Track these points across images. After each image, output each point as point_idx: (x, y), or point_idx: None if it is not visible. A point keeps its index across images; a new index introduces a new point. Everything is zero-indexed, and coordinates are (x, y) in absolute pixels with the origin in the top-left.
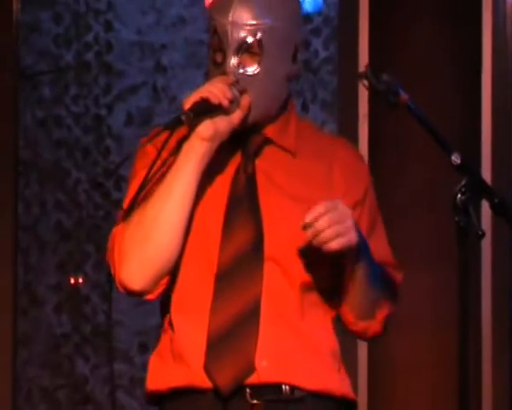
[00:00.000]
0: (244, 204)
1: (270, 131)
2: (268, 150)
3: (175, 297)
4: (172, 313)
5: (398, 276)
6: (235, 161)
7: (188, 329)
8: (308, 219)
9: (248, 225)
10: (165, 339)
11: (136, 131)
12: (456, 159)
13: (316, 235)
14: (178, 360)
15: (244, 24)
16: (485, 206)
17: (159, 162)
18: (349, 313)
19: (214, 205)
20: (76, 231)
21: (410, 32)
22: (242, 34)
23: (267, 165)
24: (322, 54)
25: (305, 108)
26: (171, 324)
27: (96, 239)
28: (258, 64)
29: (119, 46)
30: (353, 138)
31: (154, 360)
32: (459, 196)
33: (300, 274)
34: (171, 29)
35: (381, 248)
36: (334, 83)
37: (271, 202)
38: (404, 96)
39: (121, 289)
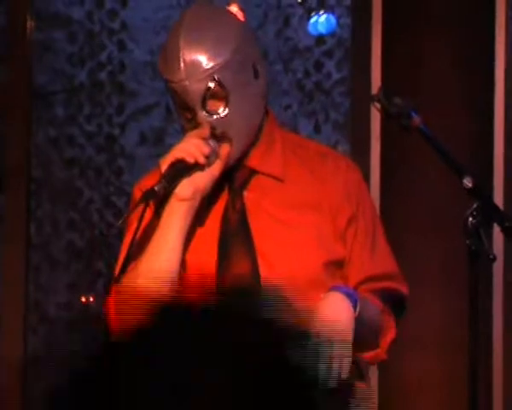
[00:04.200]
0: (237, 239)
1: (253, 160)
2: (256, 180)
3: None
4: None
5: (404, 288)
6: (224, 196)
7: None
8: None
9: (243, 261)
10: None
11: (149, 151)
12: (467, 182)
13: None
14: None
15: (199, 73)
16: (497, 229)
17: (142, 225)
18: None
19: (207, 243)
20: (88, 250)
21: (423, 55)
22: (202, 84)
23: (256, 195)
24: (335, 76)
25: (317, 128)
26: None
27: (108, 258)
28: (227, 104)
29: (132, 66)
30: (366, 159)
31: None
32: (470, 219)
33: (302, 300)
34: None
35: (384, 260)
36: (346, 104)
37: (265, 234)
38: (416, 119)
39: None
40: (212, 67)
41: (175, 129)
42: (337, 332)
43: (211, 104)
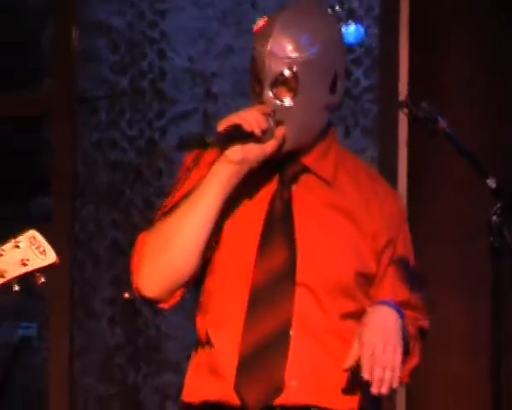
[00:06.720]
0: (280, 228)
1: (308, 159)
2: (305, 178)
3: (211, 312)
4: (209, 328)
5: (428, 322)
6: (273, 185)
7: (222, 345)
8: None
9: (283, 249)
10: (202, 352)
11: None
12: (491, 183)
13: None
14: (213, 375)
15: (281, 57)
16: None
17: (189, 180)
18: None
19: (251, 227)
20: (130, 248)
21: (450, 63)
22: (279, 67)
23: (303, 192)
24: (364, 83)
25: (347, 133)
26: (208, 338)
27: None
28: (294, 96)
29: (172, 74)
30: (393, 165)
31: (190, 373)
32: (494, 217)
33: (331, 301)
34: (220, 58)
35: (415, 291)
36: (374, 111)
37: (306, 229)
38: (442, 123)
39: (136, 294)
40: (294, 58)
41: (212, 134)
42: (389, 342)
43: (280, 90)
